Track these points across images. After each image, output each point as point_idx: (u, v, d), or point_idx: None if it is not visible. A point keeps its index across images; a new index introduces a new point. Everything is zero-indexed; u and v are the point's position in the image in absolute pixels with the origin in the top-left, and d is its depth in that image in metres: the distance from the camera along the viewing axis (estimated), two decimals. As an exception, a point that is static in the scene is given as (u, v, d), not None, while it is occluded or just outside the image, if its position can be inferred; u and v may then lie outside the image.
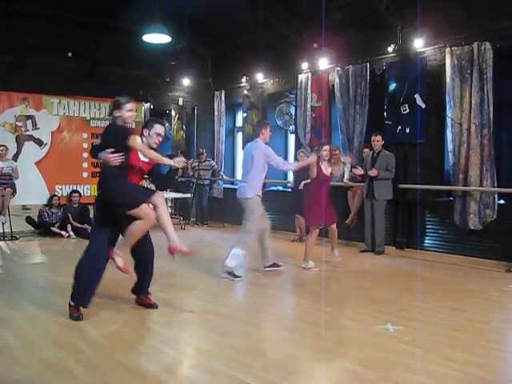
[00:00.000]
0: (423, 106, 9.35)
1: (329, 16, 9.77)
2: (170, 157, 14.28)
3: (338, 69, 10.75)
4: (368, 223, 9.55)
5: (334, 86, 10.95)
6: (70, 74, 12.46)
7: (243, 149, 8.17)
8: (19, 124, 11.76)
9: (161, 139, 5.83)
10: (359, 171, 9.42)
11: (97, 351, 4.49)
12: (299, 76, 11.71)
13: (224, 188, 14.22)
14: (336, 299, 6.34)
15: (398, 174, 9.47)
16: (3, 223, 10.62)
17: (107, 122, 12.27)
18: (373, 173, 9.21)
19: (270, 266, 7.59)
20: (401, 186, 9.58)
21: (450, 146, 8.98)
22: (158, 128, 5.77)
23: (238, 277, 7.19)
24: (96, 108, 12.79)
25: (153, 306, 5.79)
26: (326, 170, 7.92)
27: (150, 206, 5.39)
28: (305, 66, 11.51)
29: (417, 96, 9.41)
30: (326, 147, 8.01)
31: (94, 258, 5.48)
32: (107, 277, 6.08)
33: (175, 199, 14.18)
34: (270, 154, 7.39)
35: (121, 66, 13.20)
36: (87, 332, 5.00)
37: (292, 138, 12.97)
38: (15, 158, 11.46)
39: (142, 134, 5.77)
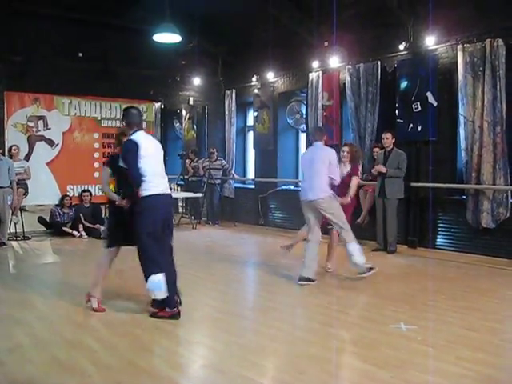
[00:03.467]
0: (435, 103, 9.29)
1: (340, 14, 9.71)
2: (181, 156, 14.35)
3: (349, 67, 10.70)
4: (380, 222, 9.51)
5: (345, 84, 10.89)
6: (80, 74, 12.52)
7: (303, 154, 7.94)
8: (31, 124, 11.81)
9: None
10: (382, 169, 9.29)
11: (109, 351, 4.49)
12: (310, 74, 11.67)
13: (235, 187, 14.21)
14: (348, 298, 6.31)
15: (409, 173, 9.41)
16: (15, 223, 10.68)
17: (118, 123, 12.40)
18: (381, 169, 9.17)
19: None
20: (413, 184, 9.52)
21: (462, 144, 8.91)
22: None
23: (372, 268, 7.17)
24: (107, 108, 12.81)
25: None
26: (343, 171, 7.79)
27: None
28: (316, 64, 11.46)
29: (428, 94, 9.34)
30: (345, 148, 7.91)
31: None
32: (119, 277, 6.12)
33: (186, 199, 14.19)
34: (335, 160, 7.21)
35: (131, 66, 13.24)
36: (99, 332, 5.02)
37: (303, 137, 12.93)
38: (27, 158, 11.52)
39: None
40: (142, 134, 5.69)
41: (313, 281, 6.95)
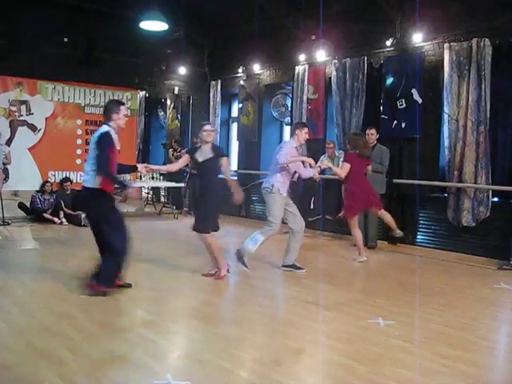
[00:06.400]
0: (420, 101, 9.33)
1: (327, 8, 9.70)
2: (164, 146, 14.32)
3: (336, 61, 10.71)
4: (361, 217, 9.52)
5: (330, 78, 10.91)
6: (65, 59, 12.41)
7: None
8: (13, 109, 11.65)
9: (127, 119, 6.14)
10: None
11: (86, 339, 4.47)
12: (296, 68, 11.66)
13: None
14: (327, 292, 6.32)
15: (392, 169, 9.46)
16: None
17: (102, 110, 12.33)
18: None
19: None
20: (395, 180, 9.58)
21: (445, 142, 8.97)
22: (124, 109, 5.98)
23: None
24: (91, 95, 12.68)
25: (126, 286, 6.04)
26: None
27: None
28: (302, 57, 11.46)
29: (414, 91, 9.38)
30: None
31: None
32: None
33: (168, 188, 14.15)
34: (285, 155, 7.10)
35: (117, 53, 13.15)
36: (77, 319, 4.99)
37: (287, 129, 12.93)
38: (8, 143, 11.35)
39: (111, 120, 5.86)
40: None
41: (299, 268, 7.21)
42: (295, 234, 7.25)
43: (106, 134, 5.70)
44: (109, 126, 5.81)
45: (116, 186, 5.97)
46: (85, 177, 5.80)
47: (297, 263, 7.33)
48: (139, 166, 6.54)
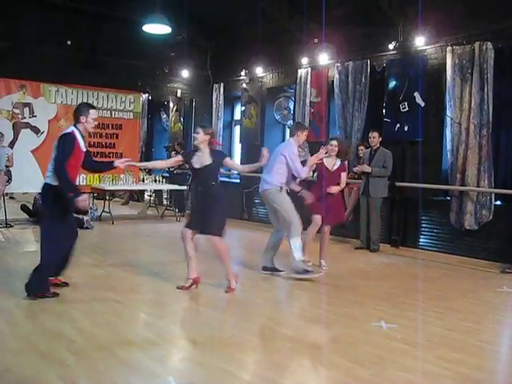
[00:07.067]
0: (422, 104, 9.32)
1: (330, 11, 9.70)
2: (167, 148, 14.29)
3: (338, 65, 10.71)
4: (363, 220, 9.53)
5: (333, 81, 10.91)
6: (68, 62, 12.43)
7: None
8: (16, 111, 11.66)
9: (96, 123, 6.11)
10: (366, 168, 9.29)
11: (88, 341, 4.46)
12: (299, 71, 11.67)
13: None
14: (330, 296, 6.31)
15: (395, 172, 9.45)
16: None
17: (105, 112, 12.32)
18: (365, 169, 9.21)
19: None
20: (397, 183, 9.57)
21: (448, 145, 8.96)
22: (94, 113, 5.98)
23: (309, 272, 7.04)
24: (94, 97, 12.67)
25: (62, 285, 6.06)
26: (330, 165, 7.78)
27: None
28: (305, 60, 11.46)
29: (416, 94, 9.38)
30: (334, 142, 7.88)
31: None
32: (98, 269, 6.09)
33: (171, 191, 14.15)
34: (294, 159, 7.11)
35: (120, 56, 13.17)
36: (79, 321, 4.98)
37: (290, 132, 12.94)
38: (11, 145, 11.37)
39: (78, 122, 5.91)
40: None
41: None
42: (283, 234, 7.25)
43: (68, 135, 5.74)
44: (75, 127, 5.86)
45: (66, 190, 5.70)
46: (47, 174, 5.87)
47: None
48: (116, 161, 6.31)
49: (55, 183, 5.66)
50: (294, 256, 6.95)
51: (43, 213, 5.94)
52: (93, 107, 6.12)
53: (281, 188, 7.06)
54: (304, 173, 7.18)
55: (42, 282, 5.71)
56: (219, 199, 6.44)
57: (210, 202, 6.34)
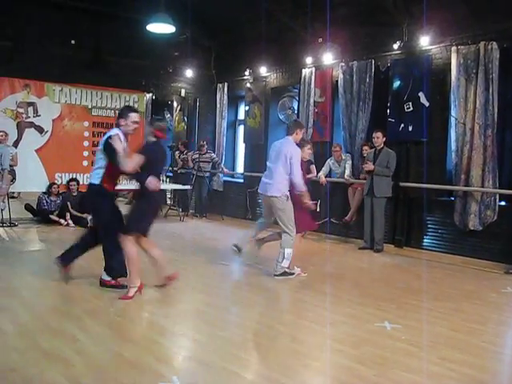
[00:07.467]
0: (427, 104, 9.30)
1: (334, 10, 9.70)
2: (171, 148, 14.30)
3: (343, 64, 10.70)
4: (367, 220, 9.51)
5: (337, 81, 10.89)
6: (72, 61, 12.43)
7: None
8: (20, 110, 11.69)
9: (137, 126, 6.05)
10: (369, 166, 9.26)
11: (93, 340, 4.47)
12: (303, 70, 11.65)
13: (224, 181, 14.18)
14: (333, 296, 6.31)
15: (399, 172, 9.44)
16: (2, 210, 10.57)
17: (109, 112, 12.35)
18: (368, 166, 9.19)
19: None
20: (402, 184, 9.55)
21: (453, 145, 8.94)
22: (134, 117, 5.99)
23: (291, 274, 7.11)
24: (98, 97, 12.71)
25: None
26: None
27: None
28: (309, 60, 11.44)
29: (421, 94, 9.36)
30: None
31: None
32: (102, 268, 6.09)
33: (175, 191, 14.17)
34: (296, 158, 7.02)
35: (124, 56, 13.17)
36: (83, 321, 4.99)
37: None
38: (15, 144, 11.40)
39: (119, 125, 5.95)
40: None
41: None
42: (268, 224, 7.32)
43: (114, 135, 5.78)
44: (119, 129, 5.92)
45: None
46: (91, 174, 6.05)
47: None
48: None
49: (98, 182, 5.85)
50: (280, 262, 6.95)
51: (93, 212, 6.23)
52: (134, 110, 6.15)
53: (287, 197, 6.99)
54: (299, 181, 7.01)
55: (123, 263, 5.93)
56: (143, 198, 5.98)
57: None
